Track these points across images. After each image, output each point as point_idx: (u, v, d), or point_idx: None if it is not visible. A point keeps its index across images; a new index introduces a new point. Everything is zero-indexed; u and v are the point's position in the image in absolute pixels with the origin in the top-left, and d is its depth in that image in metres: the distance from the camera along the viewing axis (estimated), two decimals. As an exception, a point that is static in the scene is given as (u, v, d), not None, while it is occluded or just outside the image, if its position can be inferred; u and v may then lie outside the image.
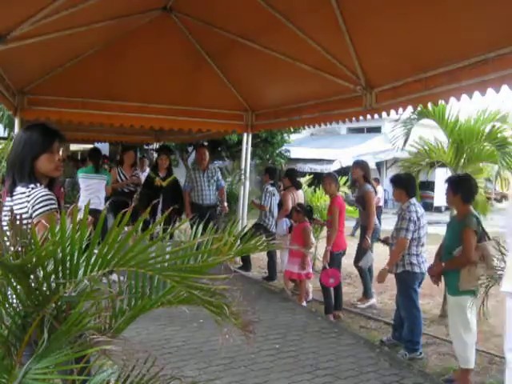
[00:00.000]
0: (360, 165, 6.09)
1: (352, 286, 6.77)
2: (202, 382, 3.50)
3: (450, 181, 4.00)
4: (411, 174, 5.13)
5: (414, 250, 4.28)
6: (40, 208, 2.10)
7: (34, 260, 1.22)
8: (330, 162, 18.73)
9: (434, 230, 4.47)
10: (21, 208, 2.09)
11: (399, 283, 4.39)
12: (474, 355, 3.71)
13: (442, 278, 3.93)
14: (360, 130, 23.58)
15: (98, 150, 6.89)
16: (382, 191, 14.19)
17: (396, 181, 4.55)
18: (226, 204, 7.60)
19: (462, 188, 3.82)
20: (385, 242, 4.70)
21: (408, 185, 4.45)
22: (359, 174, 5.99)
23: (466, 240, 3.60)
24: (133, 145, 8.19)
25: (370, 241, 5.62)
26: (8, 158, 2.32)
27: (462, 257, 3.62)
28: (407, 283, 4.29)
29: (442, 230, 4.68)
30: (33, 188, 2.16)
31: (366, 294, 5.93)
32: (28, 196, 2.13)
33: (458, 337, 3.69)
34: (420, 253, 4.32)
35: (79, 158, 17.37)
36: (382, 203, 13.35)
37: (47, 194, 2.16)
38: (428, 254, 4.42)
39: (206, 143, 14.26)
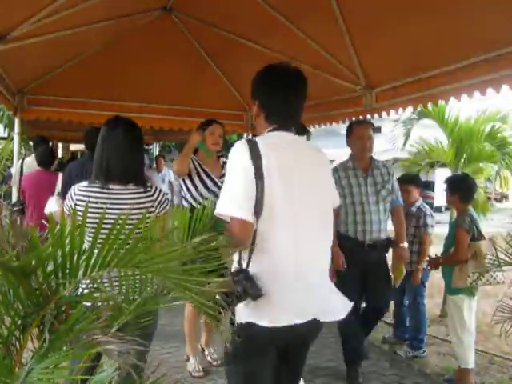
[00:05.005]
0: None
1: (352, 286, 6.76)
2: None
3: (448, 181, 4.03)
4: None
5: None
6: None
7: (34, 261, 1.22)
8: (329, 162, 18.69)
9: (433, 230, 4.50)
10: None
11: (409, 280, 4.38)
12: (474, 355, 3.71)
13: (442, 279, 3.94)
14: (360, 130, 23.54)
15: None
16: None
17: (416, 180, 4.70)
18: (405, 244, 3.80)
19: (460, 188, 3.85)
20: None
21: (421, 184, 4.71)
22: None
23: (458, 239, 3.65)
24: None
25: None
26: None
27: (455, 255, 3.67)
28: (421, 279, 4.33)
29: (441, 230, 4.69)
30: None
31: None
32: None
33: (456, 336, 3.70)
34: None
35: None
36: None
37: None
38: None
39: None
